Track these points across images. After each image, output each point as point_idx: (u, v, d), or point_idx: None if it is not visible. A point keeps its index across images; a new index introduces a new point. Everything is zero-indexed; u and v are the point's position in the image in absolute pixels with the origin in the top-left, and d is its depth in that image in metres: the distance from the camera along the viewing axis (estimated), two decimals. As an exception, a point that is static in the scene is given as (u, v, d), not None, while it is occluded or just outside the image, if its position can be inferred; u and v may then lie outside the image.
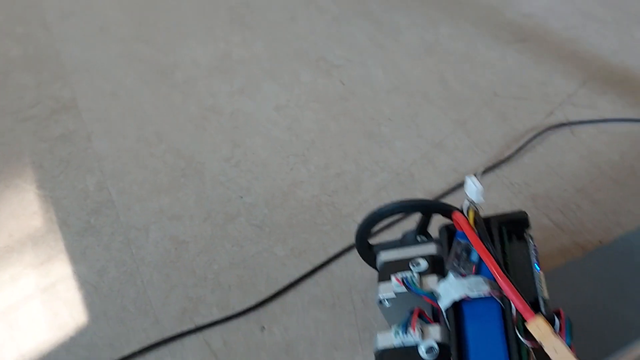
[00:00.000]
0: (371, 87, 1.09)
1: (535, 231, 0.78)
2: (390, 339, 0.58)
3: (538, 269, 0.62)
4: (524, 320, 0.56)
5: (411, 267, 0.64)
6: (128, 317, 0.72)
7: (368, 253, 0.72)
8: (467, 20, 1.24)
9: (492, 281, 0.59)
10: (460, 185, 0.91)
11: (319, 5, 1.25)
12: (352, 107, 1.04)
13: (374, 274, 0.67)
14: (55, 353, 0.68)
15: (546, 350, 0.53)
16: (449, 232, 0.67)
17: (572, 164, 0.95)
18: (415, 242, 0.68)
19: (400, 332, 0.57)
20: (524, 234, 0.67)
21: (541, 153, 0.97)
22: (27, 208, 0.81)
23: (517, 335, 0.56)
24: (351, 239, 0.72)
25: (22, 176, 0.84)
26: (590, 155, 0.96)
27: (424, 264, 0.64)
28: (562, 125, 1.00)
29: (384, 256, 0.67)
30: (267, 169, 0.90)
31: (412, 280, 0.61)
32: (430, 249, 0.66)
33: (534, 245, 0.65)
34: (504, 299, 0.58)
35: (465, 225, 0.61)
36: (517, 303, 0.55)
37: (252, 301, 0.76)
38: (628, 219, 0.86)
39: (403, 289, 0.61)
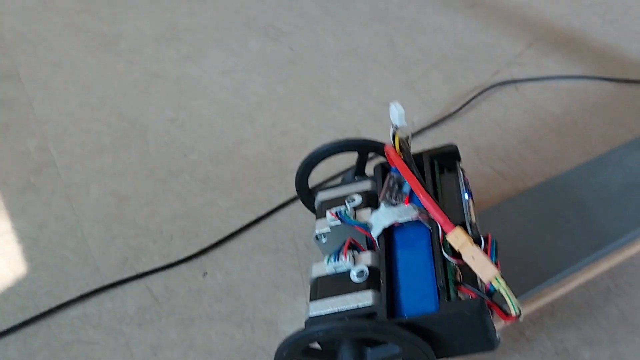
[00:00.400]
0: (320, 52, 1.11)
1: (477, 179, 0.82)
2: (323, 267, 0.61)
3: (467, 197, 0.65)
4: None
5: (346, 202, 0.67)
6: (68, 266, 0.73)
7: (309, 198, 0.75)
8: (417, -13, 1.27)
9: (422, 208, 0.62)
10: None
11: (268, -26, 1.27)
12: (301, 71, 1.07)
13: (316, 220, 0.70)
14: (-6, 301, 0.69)
15: (465, 258, 0.56)
16: (384, 169, 0.69)
17: (516, 118, 0.98)
18: (352, 180, 0.71)
19: (333, 260, 0.60)
20: (455, 166, 0.69)
21: (486, 109, 1.00)
22: (-34, 169, 0.82)
23: (442, 253, 0.58)
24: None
25: (-38, 140, 0.86)
26: (534, 109, 1.00)
27: (358, 199, 0.67)
28: (507, 82, 1.04)
29: (321, 196, 0.71)
30: (213, 129, 0.92)
31: (345, 213, 0.64)
32: (365, 185, 0.70)
33: (464, 176, 0.67)
34: (432, 222, 0.61)
35: (391, 151, 0.64)
36: (437, 217, 0.58)
37: (195, 249, 0.77)
38: (568, 166, 0.90)
39: (337, 222, 0.65)
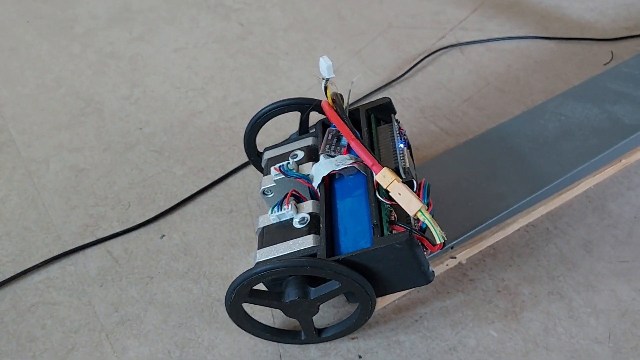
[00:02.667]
0: (269, 26, 1.15)
1: (423, 137, 0.86)
2: (268, 218, 0.66)
3: (402, 145, 0.69)
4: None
5: (290, 158, 0.71)
6: (30, 236, 0.76)
7: (258, 160, 0.79)
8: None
9: (355, 157, 0.66)
10: (353, 103, 0.97)
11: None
12: (251, 45, 1.10)
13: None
14: (-40, 271, 0.72)
15: (392, 196, 0.60)
16: (324, 125, 0.73)
17: (460, 79, 1.02)
18: (296, 137, 0.76)
19: (277, 209, 0.64)
20: (391, 118, 0.73)
21: (431, 71, 1.04)
22: None
23: (376, 195, 0.62)
24: (247, 156, 0.79)
25: None
26: (477, 69, 1.04)
27: (301, 155, 0.71)
28: (451, 46, 1.07)
29: (267, 154, 0.75)
30: (166, 103, 0.95)
31: (288, 167, 0.68)
32: (308, 141, 0.74)
33: (400, 128, 0.71)
34: (367, 168, 0.64)
35: (326, 105, 0.68)
36: (366, 159, 0.62)
37: (152, 214, 0.81)
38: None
39: (281, 176, 0.69)
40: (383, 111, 0.75)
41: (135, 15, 1.12)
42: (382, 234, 0.60)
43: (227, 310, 0.63)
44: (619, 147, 0.80)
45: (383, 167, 0.61)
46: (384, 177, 0.60)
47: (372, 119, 0.72)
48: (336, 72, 0.98)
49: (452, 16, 1.19)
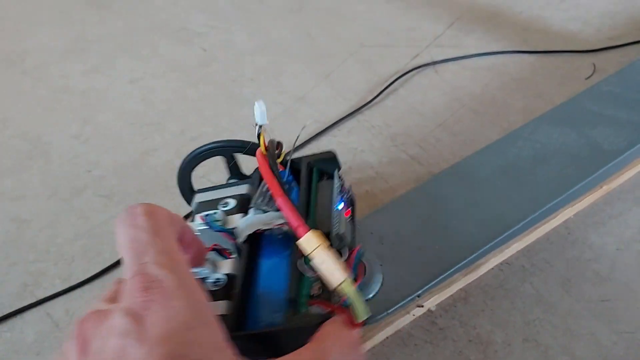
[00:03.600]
0: (234, 51, 1.11)
1: (393, 166, 0.82)
2: None
3: (340, 207, 0.64)
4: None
5: (219, 206, 0.67)
6: (-36, 298, 0.72)
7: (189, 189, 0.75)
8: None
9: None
10: (319, 134, 0.93)
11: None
12: (213, 72, 1.06)
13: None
14: None
15: (315, 264, 0.55)
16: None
17: (433, 102, 0.98)
18: (231, 182, 0.72)
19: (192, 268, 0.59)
20: (333, 174, 0.69)
21: (403, 94, 1.00)
22: None
23: (297, 265, 0.57)
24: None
25: None
26: (452, 90, 1.00)
27: (232, 203, 0.67)
28: (424, 65, 1.03)
29: (198, 198, 0.71)
30: (119, 142, 0.91)
31: (214, 218, 0.63)
32: (242, 189, 0.69)
33: (342, 185, 0.67)
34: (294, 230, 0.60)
35: (259, 154, 0.63)
36: (291, 220, 0.57)
37: (97, 269, 0.76)
38: (485, 145, 0.89)
39: (204, 226, 0.64)
40: (327, 165, 0.70)
41: (91, 45, 1.08)
42: (297, 311, 0.54)
43: None
44: (599, 174, 0.76)
45: (309, 229, 0.55)
46: (308, 242, 0.54)
47: (315, 172, 0.67)
48: (302, 99, 0.95)
49: (428, 32, 1.15)
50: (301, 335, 0.52)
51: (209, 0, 1.20)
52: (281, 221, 0.59)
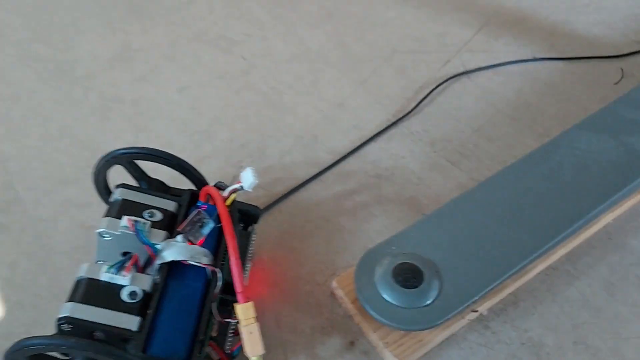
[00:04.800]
0: (272, 59, 1.13)
1: (433, 172, 0.84)
2: (98, 272, 0.63)
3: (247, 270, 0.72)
4: (230, 300, 0.65)
5: (146, 214, 0.69)
6: (42, 303, 0.75)
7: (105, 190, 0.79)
8: (364, -17, 1.29)
9: (211, 256, 0.66)
10: (364, 144, 0.96)
11: (214, -15, 1.28)
12: (254, 80, 1.08)
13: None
14: (-27, 346, 0.70)
15: (242, 329, 0.63)
16: (192, 197, 0.73)
17: (469, 107, 1.00)
18: (160, 193, 0.73)
19: (114, 271, 0.62)
20: (252, 227, 0.76)
21: (439, 101, 1.02)
22: None
23: (213, 307, 0.64)
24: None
25: None
26: (487, 96, 1.02)
27: (158, 216, 0.69)
28: (459, 75, 1.05)
29: (122, 193, 0.72)
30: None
31: (143, 227, 0.66)
32: (170, 205, 0.72)
33: (253, 243, 0.75)
34: (215, 274, 0.65)
35: (221, 205, 0.66)
36: (237, 285, 0.63)
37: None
38: (523, 151, 0.92)
39: (130, 232, 0.66)
40: (249, 217, 0.76)
41: (136, 54, 1.10)
42: (201, 351, 0.61)
43: None
44: (639, 181, 0.78)
45: (249, 300, 0.63)
46: (247, 310, 0.63)
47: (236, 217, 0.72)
48: (341, 105, 0.97)
49: (457, 37, 1.18)
50: None
51: (243, 9, 1.22)
52: (206, 261, 0.64)
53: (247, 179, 0.65)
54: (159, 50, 1.15)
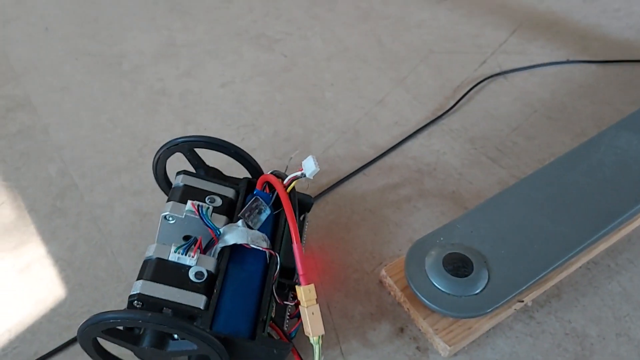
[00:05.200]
0: (312, 57, 1.15)
1: (474, 169, 0.86)
2: (166, 252, 0.66)
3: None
4: (285, 284, 0.69)
5: (207, 200, 0.72)
6: (102, 285, 0.77)
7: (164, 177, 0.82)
8: (399, -15, 1.31)
9: (269, 241, 0.69)
10: (405, 139, 0.98)
11: (254, -15, 1.30)
12: (295, 77, 1.10)
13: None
14: (39, 324, 0.73)
15: (305, 311, 0.65)
16: (249, 185, 0.76)
17: (506, 107, 1.02)
18: (219, 181, 0.76)
19: (181, 252, 0.65)
20: (304, 215, 0.78)
21: (477, 99, 1.04)
22: (-6, 200, 0.85)
23: (273, 290, 0.66)
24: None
25: (-15, 171, 0.89)
26: (523, 96, 1.04)
27: (218, 202, 0.72)
28: (495, 75, 1.07)
29: (184, 179, 0.75)
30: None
31: (206, 211, 0.68)
32: (229, 192, 0.75)
33: (305, 231, 0.78)
34: (272, 257, 0.68)
35: (282, 191, 0.68)
36: (300, 268, 0.66)
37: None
38: (561, 149, 0.94)
39: (194, 215, 0.68)
40: (302, 206, 0.79)
41: (180, 50, 1.12)
42: (263, 330, 0.63)
43: (78, 341, 0.63)
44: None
45: (311, 282, 0.65)
46: (309, 291, 0.65)
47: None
48: (381, 102, 0.99)
49: (492, 39, 1.19)
50: (261, 352, 0.63)
51: (282, 8, 1.24)
52: (265, 245, 0.67)
53: (309, 167, 0.67)
54: (201, 47, 1.18)
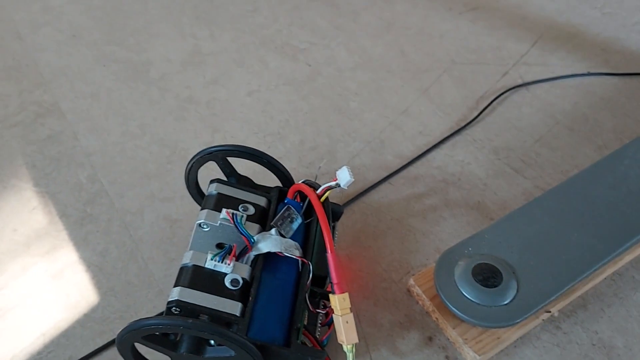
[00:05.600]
0: (336, 66, 1.15)
1: (499, 179, 0.86)
2: (202, 260, 0.66)
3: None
4: (317, 292, 0.69)
5: (240, 208, 0.72)
6: (134, 291, 0.77)
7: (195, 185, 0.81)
8: (421, -4, 1.31)
9: (301, 249, 0.69)
10: (430, 149, 0.98)
11: (278, -5, 1.31)
12: (320, 86, 1.11)
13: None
14: (72, 329, 0.73)
15: (339, 319, 0.65)
16: (280, 194, 0.76)
17: (529, 118, 1.02)
18: (251, 189, 0.76)
19: (218, 259, 0.65)
20: (334, 224, 0.78)
21: (500, 110, 1.04)
22: (26, 205, 0.86)
23: (306, 298, 0.66)
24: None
25: (17, 176, 0.90)
26: (545, 107, 1.04)
27: (251, 210, 0.72)
28: (518, 86, 1.07)
29: (218, 188, 0.75)
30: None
31: (241, 220, 0.68)
32: (261, 200, 0.75)
33: (335, 239, 0.77)
34: (305, 266, 0.68)
35: (316, 201, 0.69)
36: (334, 277, 0.66)
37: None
38: (584, 161, 0.94)
39: (229, 223, 0.69)
40: (332, 215, 0.78)
41: (207, 58, 1.13)
42: (297, 338, 0.63)
43: (116, 346, 0.63)
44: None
45: (345, 291, 0.65)
46: (343, 300, 0.65)
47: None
48: (405, 112, 0.99)
49: (513, 50, 1.20)
50: (296, 358, 0.62)
51: (307, 18, 1.24)
52: (298, 253, 0.67)
53: (344, 177, 0.67)
54: (227, 55, 1.18)
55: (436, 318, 0.74)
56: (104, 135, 0.99)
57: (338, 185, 0.67)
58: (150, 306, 0.76)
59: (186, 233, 0.85)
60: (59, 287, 0.77)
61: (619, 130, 1.02)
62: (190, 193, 0.81)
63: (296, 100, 1.07)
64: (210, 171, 0.78)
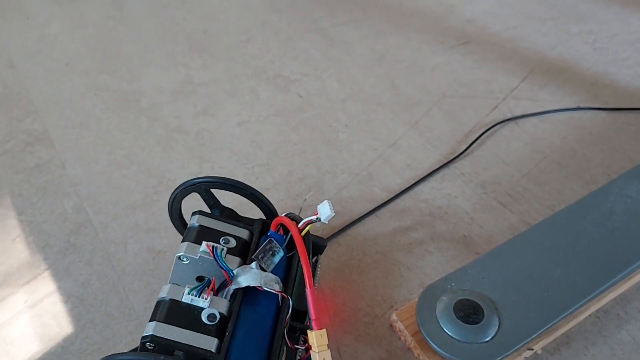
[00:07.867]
0: (327, 98, 1.14)
1: (485, 213, 0.85)
2: (180, 294, 0.64)
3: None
4: (297, 327, 0.66)
5: (222, 241, 0.70)
6: (113, 323, 0.76)
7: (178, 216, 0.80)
8: (414, 30, 1.31)
9: (281, 284, 0.68)
10: (417, 182, 0.97)
11: (273, 26, 1.31)
12: (311, 117, 1.10)
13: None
14: (49, 361, 0.71)
15: (316, 356, 0.64)
16: (263, 227, 0.74)
17: (517, 152, 1.01)
18: (233, 221, 0.74)
19: (195, 293, 0.63)
20: (317, 257, 0.77)
21: (488, 144, 1.03)
22: (10, 233, 0.85)
23: (284, 333, 0.64)
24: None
25: (2, 205, 0.88)
26: (534, 142, 1.03)
27: (233, 243, 0.71)
28: (507, 120, 1.06)
29: (199, 220, 0.73)
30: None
31: (221, 253, 0.67)
32: (243, 233, 0.73)
33: (317, 273, 0.76)
34: (284, 300, 0.66)
35: (297, 235, 0.67)
36: (312, 312, 0.65)
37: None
38: (571, 196, 0.93)
39: (209, 256, 0.67)
40: (315, 248, 0.77)
41: (198, 88, 1.12)
42: None
43: None
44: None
45: (323, 327, 0.64)
46: (321, 337, 0.64)
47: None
48: (394, 145, 0.98)
49: (504, 84, 1.19)
50: None
51: (299, 49, 1.24)
52: (278, 288, 0.65)
53: (324, 211, 0.66)
54: (219, 85, 1.17)
55: (417, 354, 0.72)
56: (91, 165, 0.97)
57: (319, 219, 0.66)
58: (129, 339, 0.75)
59: (169, 265, 0.83)
60: (37, 317, 0.76)
61: (607, 164, 1.01)
62: (174, 224, 0.79)
63: (286, 131, 1.06)
64: (197, 201, 0.76)
